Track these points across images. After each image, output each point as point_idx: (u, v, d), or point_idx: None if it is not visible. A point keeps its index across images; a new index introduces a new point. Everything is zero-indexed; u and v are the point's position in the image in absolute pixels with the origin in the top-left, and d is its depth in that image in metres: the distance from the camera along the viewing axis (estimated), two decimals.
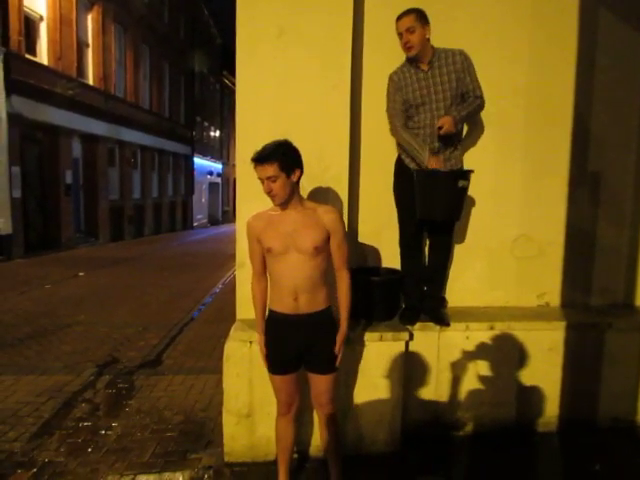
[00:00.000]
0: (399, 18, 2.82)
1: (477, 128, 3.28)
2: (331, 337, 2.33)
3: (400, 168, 3.06)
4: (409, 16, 2.78)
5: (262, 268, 2.35)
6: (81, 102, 14.01)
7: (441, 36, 2.94)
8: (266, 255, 2.28)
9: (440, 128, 2.76)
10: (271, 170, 2.12)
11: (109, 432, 3.21)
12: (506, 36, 3.24)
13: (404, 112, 2.94)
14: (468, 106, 2.88)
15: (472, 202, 3.31)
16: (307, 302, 2.25)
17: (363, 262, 3.27)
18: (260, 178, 2.17)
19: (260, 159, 2.13)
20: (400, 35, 2.83)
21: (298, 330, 2.27)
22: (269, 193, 2.18)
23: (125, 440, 3.11)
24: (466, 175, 2.77)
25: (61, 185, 13.38)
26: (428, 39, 2.84)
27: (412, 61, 2.90)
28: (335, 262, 2.32)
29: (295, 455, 2.75)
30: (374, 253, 3.30)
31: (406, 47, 2.83)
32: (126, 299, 7.36)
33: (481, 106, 2.94)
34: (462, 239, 3.35)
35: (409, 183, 2.97)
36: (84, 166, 15.30)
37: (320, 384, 2.36)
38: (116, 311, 6.57)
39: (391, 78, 2.98)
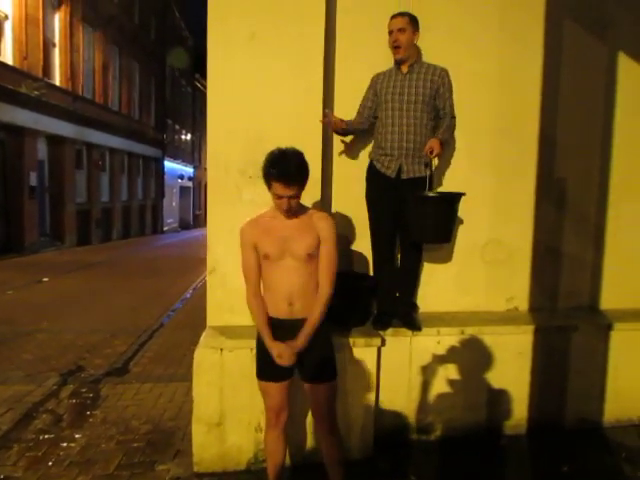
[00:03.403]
0: (393, 17, 2.91)
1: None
2: (328, 343, 2.30)
3: (371, 174, 3.07)
4: (403, 17, 2.88)
5: (258, 280, 2.25)
6: (47, 102, 13.65)
7: None
8: (262, 262, 2.22)
9: (431, 152, 2.81)
10: (296, 189, 2.09)
11: (72, 444, 3.09)
12: (476, 46, 3.29)
13: (372, 107, 3.04)
14: (448, 128, 2.95)
15: None
16: (302, 307, 2.20)
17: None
18: (279, 195, 2.09)
19: (288, 181, 2.05)
20: (390, 33, 2.91)
21: (291, 335, 2.19)
22: (286, 209, 2.12)
23: (89, 452, 2.99)
24: (458, 199, 2.86)
25: (25, 187, 12.99)
26: (415, 45, 2.95)
27: (396, 63, 2.97)
28: (319, 270, 2.23)
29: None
30: (347, 259, 3.29)
31: (394, 46, 2.90)
32: (92, 305, 7.15)
33: (454, 127, 3.03)
34: (434, 244, 3.37)
35: (381, 189, 2.99)
36: (50, 168, 14.90)
37: (317, 394, 2.28)
38: (82, 318, 6.37)
39: (374, 76, 3.08)
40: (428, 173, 2.92)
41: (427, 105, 2.93)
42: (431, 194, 2.86)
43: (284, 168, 2.05)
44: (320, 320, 2.22)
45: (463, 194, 2.84)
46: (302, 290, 2.20)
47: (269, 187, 2.13)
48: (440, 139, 2.84)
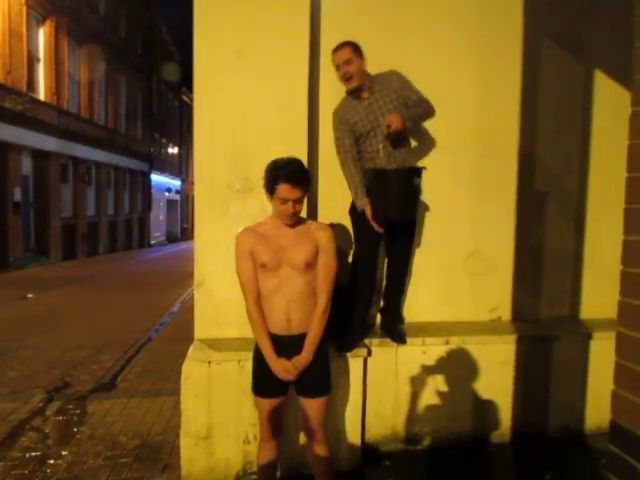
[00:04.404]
0: (335, 51, 2.87)
1: (430, 150, 3.40)
2: (325, 357, 2.30)
3: None
4: (345, 48, 2.84)
5: (257, 288, 2.19)
6: (32, 117, 13.61)
7: (396, 63, 3.06)
8: (259, 271, 2.17)
9: (389, 127, 2.74)
10: (300, 192, 2.09)
11: (59, 461, 3.07)
12: (457, 63, 3.39)
13: (354, 144, 2.94)
14: (414, 107, 2.89)
15: (427, 221, 3.42)
16: (299, 321, 2.19)
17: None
18: (285, 198, 2.08)
19: (296, 181, 2.06)
20: (337, 67, 2.89)
21: (290, 351, 2.19)
22: (292, 213, 2.12)
23: (76, 468, 2.98)
24: (419, 172, 2.80)
25: (9, 203, 12.88)
26: (364, 70, 2.90)
27: (352, 92, 2.93)
28: (317, 282, 2.20)
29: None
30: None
31: (345, 78, 2.87)
32: (79, 320, 7.09)
33: (429, 109, 2.94)
34: (418, 256, 3.44)
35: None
36: (35, 183, 14.79)
37: (313, 408, 2.28)
38: (68, 333, 6.31)
39: (335, 113, 2.99)
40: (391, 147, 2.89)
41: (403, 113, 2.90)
42: (389, 168, 2.84)
43: (291, 169, 2.08)
44: (321, 332, 2.22)
45: (424, 168, 2.84)
46: (299, 301, 2.17)
47: (273, 193, 2.11)
48: (403, 115, 2.77)
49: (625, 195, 1.26)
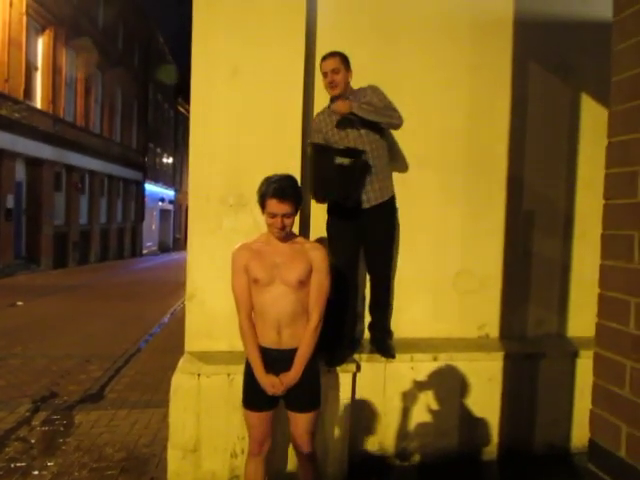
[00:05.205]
0: (324, 58, 2.96)
1: (421, 170, 3.46)
2: (315, 373, 2.31)
3: (332, 206, 3.08)
4: (334, 58, 2.91)
5: (250, 304, 2.24)
6: (27, 125, 13.63)
7: (391, 79, 3.15)
8: (252, 286, 2.22)
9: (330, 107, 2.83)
10: (289, 207, 2.13)
11: (44, 472, 3.04)
12: (449, 85, 3.47)
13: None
14: (370, 105, 2.91)
15: (417, 238, 3.47)
16: (290, 337, 2.21)
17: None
18: (273, 212, 2.14)
19: (283, 196, 2.10)
20: (325, 74, 2.96)
21: (280, 366, 2.22)
22: (280, 227, 2.15)
23: None
24: (346, 153, 2.79)
25: (1, 209, 12.82)
26: (349, 82, 2.99)
27: (333, 101, 3.03)
28: (310, 300, 2.24)
29: None
30: None
31: (331, 86, 2.95)
32: (68, 329, 7.04)
33: (395, 117, 2.90)
34: (408, 273, 3.48)
35: (342, 219, 3.03)
36: (28, 190, 14.76)
37: (302, 423, 2.29)
38: (57, 342, 6.27)
39: (313, 120, 3.13)
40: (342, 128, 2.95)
41: (376, 130, 2.96)
42: (324, 144, 2.90)
43: (279, 184, 2.13)
44: (311, 350, 2.24)
45: (362, 151, 2.86)
46: (291, 317, 2.20)
47: (264, 208, 2.17)
48: (352, 102, 2.83)
49: (602, 222, 1.32)
